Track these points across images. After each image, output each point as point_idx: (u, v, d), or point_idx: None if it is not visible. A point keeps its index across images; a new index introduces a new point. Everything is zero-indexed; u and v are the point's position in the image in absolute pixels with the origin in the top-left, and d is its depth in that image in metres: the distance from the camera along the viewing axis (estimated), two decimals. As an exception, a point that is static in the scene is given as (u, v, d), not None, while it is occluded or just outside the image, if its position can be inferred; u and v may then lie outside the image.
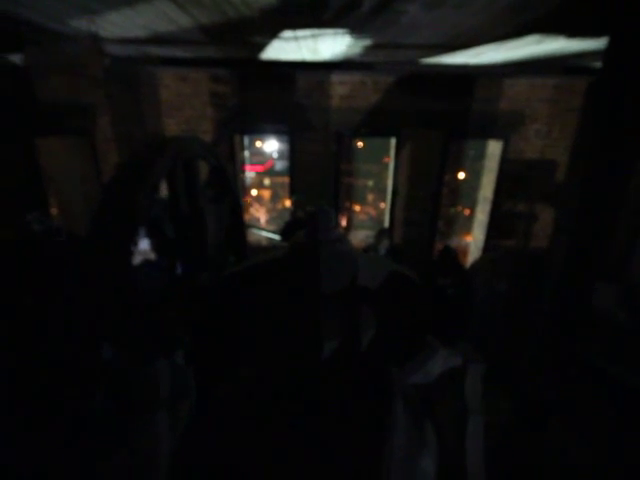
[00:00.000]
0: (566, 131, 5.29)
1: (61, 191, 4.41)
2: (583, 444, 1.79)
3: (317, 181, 5.59)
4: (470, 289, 2.80)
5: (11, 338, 1.57)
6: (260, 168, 10.59)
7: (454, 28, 2.77)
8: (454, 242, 7.84)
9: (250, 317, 1.69)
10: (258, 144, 10.58)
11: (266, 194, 10.52)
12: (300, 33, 2.98)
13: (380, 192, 9.09)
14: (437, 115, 5.28)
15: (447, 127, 5.35)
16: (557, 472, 1.72)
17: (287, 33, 3.00)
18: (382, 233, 4.22)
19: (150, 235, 2.11)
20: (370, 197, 9.83)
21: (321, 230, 1.70)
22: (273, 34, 3.05)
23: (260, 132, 6.17)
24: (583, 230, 2.18)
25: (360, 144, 8.91)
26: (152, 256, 2.20)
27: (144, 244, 2.20)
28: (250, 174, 9.78)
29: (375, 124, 5.37)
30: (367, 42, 3.28)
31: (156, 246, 2.15)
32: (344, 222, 7.68)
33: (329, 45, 3.40)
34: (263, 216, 10.01)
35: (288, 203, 5.96)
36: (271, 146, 10.65)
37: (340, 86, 5.19)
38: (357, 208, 9.37)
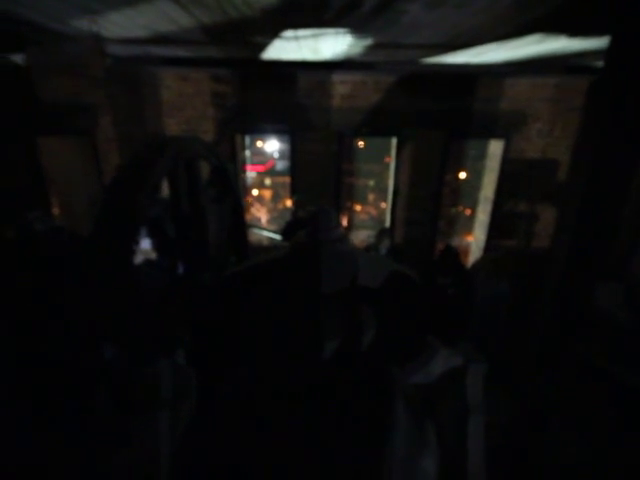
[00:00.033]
0: (568, 130, 5.28)
1: (62, 191, 4.42)
2: (583, 444, 1.79)
3: (318, 181, 5.59)
4: (471, 289, 2.80)
5: (12, 338, 1.57)
6: (261, 168, 10.59)
7: (455, 28, 2.76)
8: (455, 242, 7.83)
9: (251, 317, 1.69)
10: (259, 144, 10.59)
11: (267, 194, 10.53)
12: (301, 33, 2.98)
13: (381, 192, 9.09)
14: (438, 115, 5.27)
15: (448, 127, 5.34)
16: (557, 472, 1.72)
17: (288, 33, 3.00)
18: (383, 233, 4.22)
19: (151, 235, 2.11)
20: (371, 197, 9.83)
21: (322, 230, 1.70)
22: (274, 34, 3.05)
23: (261, 132, 6.18)
24: (585, 230, 2.17)
25: (361, 144, 8.91)
26: (153, 256, 2.20)
27: (145, 244, 2.21)
28: (251, 174, 9.79)
29: (376, 124, 5.36)
30: (368, 42, 3.28)
31: (157, 246, 2.15)
32: (345, 222, 7.68)
33: (330, 45, 3.40)
34: (264, 216, 10.02)
35: (289, 203, 5.96)
36: (272, 146, 10.65)
37: (341, 86, 5.19)
38: (358, 208, 9.37)
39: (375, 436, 1.28)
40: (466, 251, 7.04)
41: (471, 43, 3.22)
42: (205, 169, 2.12)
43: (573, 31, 2.74)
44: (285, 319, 1.62)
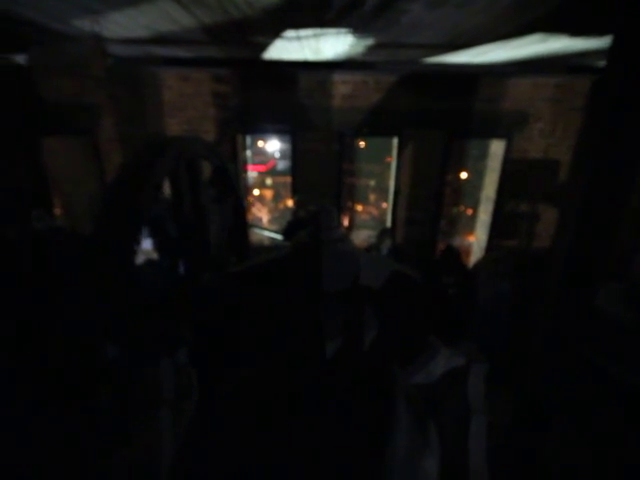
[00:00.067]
0: (569, 130, 5.27)
1: (64, 191, 4.43)
2: (583, 444, 1.78)
3: (319, 181, 5.59)
4: (472, 289, 2.80)
5: (12, 338, 1.58)
6: (262, 168, 10.60)
7: (456, 28, 2.76)
8: (456, 242, 7.82)
9: (252, 317, 1.69)
10: (260, 144, 10.59)
11: (268, 194, 10.54)
12: (303, 33, 2.98)
13: (382, 192, 9.09)
14: (439, 114, 5.27)
15: (449, 127, 5.33)
16: (557, 472, 1.72)
17: (290, 33, 3.00)
18: (384, 233, 4.22)
19: (153, 235, 2.11)
20: (372, 197, 9.83)
21: (323, 230, 1.70)
22: (276, 34, 3.05)
23: (262, 132, 6.18)
24: (586, 230, 2.17)
25: (362, 144, 8.91)
26: (155, 256, 2.20)
27: (147, 244, 2.21)
28: (252, 174, 9.79)
29: (377, 124, 5.36)
30: (369, 42, 3.28)
31: (159, 246, 2.16)
32: (346, 222, 7.68)
33: (331, 45, 3.40)
34: (265, 216, 10.03)
35: (290, 203, 5.96)
36: (273, 146, 10.66)
37: (342, 86, 5.19)
38: (359, 208, 9.37)
39: (376, 436, 1.28)
40: (467, 251, 7.04)
41: (472, 43, 3.21)
42: (206, 169, 2.12)
43: (575, 31, 2.74)
44: (286, 319, 1.62)
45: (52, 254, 2.03)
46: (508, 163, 5.49)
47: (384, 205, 8.90)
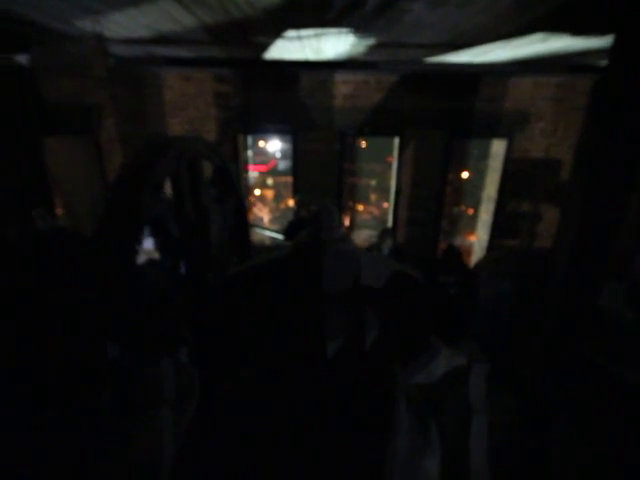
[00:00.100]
0: (571, 130, 5.26)
1: (66, 191, 4.44)
2: (583, 444, 1.78)
3: (320, 180, 5.59)
4: (473, 288, 2.79)
5: (13, 337, 1.58)
6: (263, 168, 10.60)
7: (458, 27, 2.76)
8: (458, 242, 7.82)
9: (253, 317, 1.69)
10: (261, 144, 10.60)
11: (269, 194, 10.54)
12: (304, 33, 2.98)
13: (383, 192, 9.08)
14: (440, 114, 5.26)
15: (451, 126, 5.33)
16: (557, 472, 1.72)
17: (291, 33, 3.00)
18: (385, 232, 4.22)
19: (154, 234, 2.12)
20: (373, 197, 9.83)
21: (324, 229, 1.70)
22: (277, 34, 3.05)
23: (263, 132, 6.18)
24: (587, 230, 2.17)
25: (363, 144, 8.90)
26: (156, 255, 2.21)
27: (148, 243, 2.21)
28: (253, 174, 9.80)
29: (378, 123, 5.36)
30: (371, 41, 3.27)
31: (160, 245, 2.16)
32: (347, 222, 7.68)
33: (333, 44, 3.40)
34: (266, 216, 10.03)
35: (291, 203, 5.97)
36: (274, 146, 10.66)
37: (343, 85, 5.19)
38: (360, 207, 9.37)
39: (377, 436, 1.28)
40: (469, 251, 7.03)
41: (473, 42, 3.21)
42: (207, 169, 2.13)
43: (576, 30, 2.73)
44: (287, 319, 1.62)
45: (53, 254, 2.04)
46: (509, 163, 5.48)
47: (385, 205, 8.90)
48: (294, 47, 3.53)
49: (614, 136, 2.03)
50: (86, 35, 3.08)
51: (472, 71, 4.67)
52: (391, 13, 2.46)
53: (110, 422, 1.31)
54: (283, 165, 10.57)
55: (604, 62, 2.23)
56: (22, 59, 3.29)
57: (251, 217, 7.66)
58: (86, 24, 2.81)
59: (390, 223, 5.97)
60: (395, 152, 5.67)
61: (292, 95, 5.20)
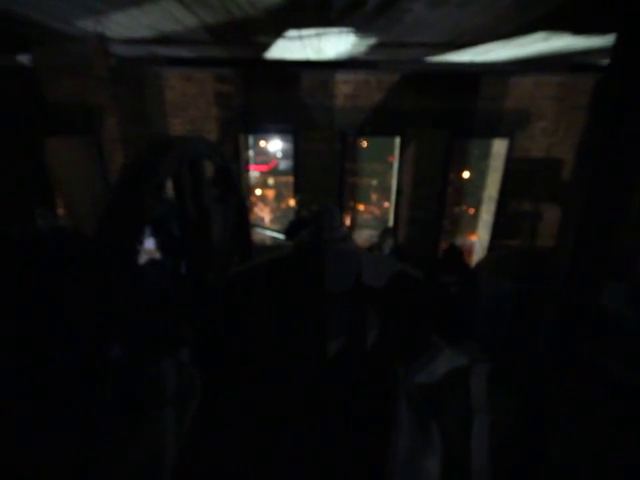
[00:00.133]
0: (572, 129, 5.25)
1: (67, 191, 4.44)
2: (583, 444, 1.78)
3: (321, 180, 5.59)
4: (474, 288, 2.79)
5: (14, 337, 1.58)
6: (264, 168, 10.60)
7: (458, 26, 2.75)
8: (459, 241, 7.80)
9: (254, 316, 1.69)
10: (262, 144, 10.59)
11: (270, 194, 10.53)
12: (305, 32, 2.98)
13: (384, 191, 9.07)
14: (441, 114, 5.26)
15: (452, 126, 5.32)
16: (557, 472, 1.72)
17: (292, 32, 3.00)
18: (386, 232, 4.22)
19: (156, 234, 2.12)
20: (374, 196, 9.81)
21: (326, 229, 1.71)
22: (278, 33, 3.06)
23: (264, 132, 6.18)
24: (589, 229, 2.16)
25: (364, 143, 8.89)
26: (157, 255, 2.21)
27: (149, 243, 2.22)
28: (254, 174, 9.80)
29: (379, 123, 5.36)
30: (371, 41, 3.27)
31: (161, 245, 2.16)
32: (348, 221, 7.67)
33: (333, 44, 3.40)
34: (267, 215, 10.03)
35: (292, 202, 5.97)
36: (275, 146, 10.65)
37: (344, 85, 5.19)
38: (361, 207, 9.36)
39: (378, 436, 1.28)
40: (470, 251, 7.02)
41: (474, 42, 3.21)
42: (209, 169, 2.13)
43: (578, 29, 2.73)
44: (288, 319, 1.62)
45: (54, 253, 2.04)
46: (511, 162, 5.47)
47: (386, 205, 8.89)
48: (295, 47, 3.53)
49: (615, 135, 2.03)
50: (88, 35, 3.08)
51: (473, 70, 4.66)
52: (392, 13, 2.46)
53: (112, 422, 1.31)
54: (284, 165, 10.56)
55: (606, 61, 2.23)
56: (24, 59, 3.29)
57: (252, 217, 7.67)
58: (88, 24, 2.82)
59: (391, 223, 5.97)
60: (396, 152, 5.67)
61: (293, 95, 5.20)
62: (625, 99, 1.98)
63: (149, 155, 1.49)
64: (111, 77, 3.94)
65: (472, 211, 7.98)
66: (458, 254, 3.48)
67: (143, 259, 2.14)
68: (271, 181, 10.67)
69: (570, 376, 2.13)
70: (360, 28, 2.85)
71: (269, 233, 5.92)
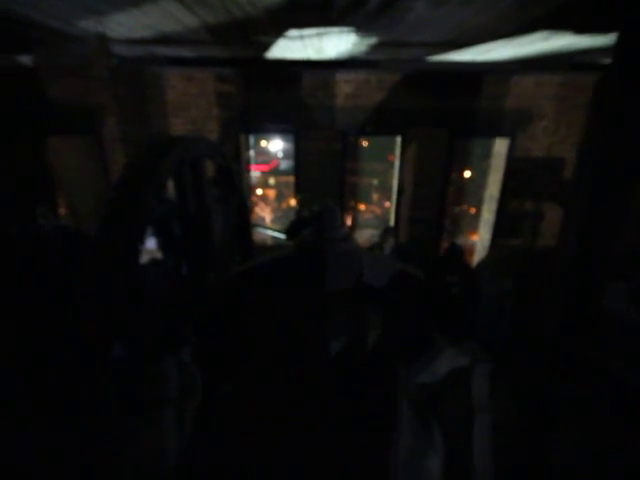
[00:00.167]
0: (573, 128, 5.24)
1: (69, 190, 4.45)
2: (583, 444, 1.77)
3: (322, 180, 5.59)
4: (476, 287, 2.78)
5: (14, 337, 1.58)
6: (265, 167, 10.59)
7: (460, 25, 2.75)
8: (460, 241, 7.79)
9: (255, 316, 1.69)
10: (263, 143, 10.59)
11: (271, 193, 10.53)
12: (306, 32, 2.98)
13: (385, 191, 9.06)
14: (442, 113, 5.25)
15: (452, 125, 5.32)
16: (557, 472, 1.71)
17: (293, 32, 3.00)
18: (387, 232, 4.21)
19: (157, 234, 2.12)
20: (375, 196, 9.80)
21: (327, 229, 1.70)
22: (278, 33, 3.05)
23: (265, 131, 6.18)
24: (591, 229, 2.16)
25: (365, 143, 8.89)
26: (159, 255, 2.21)
27: (151, 243, 2.22)
28: (255, 173, 9.80)
29: (380, 122, 5.35)
30: (373, 40, 3.27)
31: (163, 245, 2.17)
32: (349, 221, 7.67)
33: (334, 44, 3.40)
34: (268, 215, 10.03)
35: (293, 202, 5.97)
36: (276, 145, 10.65)
37: (345, 85, 5.18)
38: (362, 207, 9.35)
39: (379, 436, 1.28)
40: (471, 250, 7.01)
41: (476, 41, 3.20)
42: (210, 169, 2.13)
43: (579, 28, 2.72)
44: (289, 318, 1.62)
45: (56, 252, 2.04)
46: (512, 161, 5.46)
47: (387, 204, 8.88)
48: (296, 46, 3.53)
49: (617, 134, 2.02)
50: (88, 35, 3.09)
51: (474, 70, 4.66)
52: (393, 12, 2.46)
53: (112, 422, 1.31)
54: (285, 165, 10.55)
55: (607, 60, 2.22)
56: (25, 59, 3.30)
57: (253, 217, 7.67)
58: (88, 24, 2.82)
59: (392, 222, 5.97)
60: (397, 151, 5.66)
61: (294, 94, 5.20)
62: (627, 98, 1.97)
63: (150, 155, 1.49)
64: (112, 77, 3.94)
65: (473, 210, 7.97)
66: (459, 254, 3.48)
67: (144, 259, 2.14)
68: (272, 181, 10.66)
69: (571, 376, 2.13)
70: (361, 27, 2.84)
71: (270, 233, 5.92)
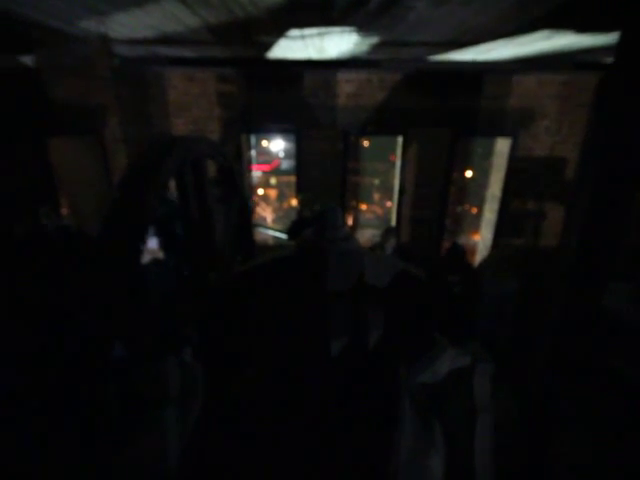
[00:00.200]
0: (576, 128, 5.22)
1: (71, 191, 4.47)
2: (583, 444, 1.77)
3: (323, 180, 5.59)
4: (478, 287, 2.78)
5: (15, 337, 1.59)
6: (266, 167, 10.59)
7: (461, 25, 2.74)
8: (462, 241, 7.77)
9: (257, 316, 1.70)
10: (264, 143, 10.59)
11: (272, 193, 10.53)
12: (307, 32, 2.98)
13: (387, 191, 9.04)
14: (444, 113, 5.24)
15: (454, 125, 5.30)
16: (557, 472, 1.71)
17: (294, 32, 3.00)
18: (389, 232, 4.21)
19: (159, 234, 2.13)
20: (377, 196, 9.78)
21: (328, 229, 1.70)
22: (280, 33, 3.06)
23: (267, 131, 6.18)
24: (593, 229, 2.15)
25: (366, 143, 8.88)
26: (161, 255, 2.22)
27: (153, 243, 2.22)
28: (257, 173, 9.80)
29: (381, 122, 5.35)
30: (374, 40, 3.27)
31: (165, 245, 2.17)
32: (350, 221, 7.67)
33: (336, 43, 3.39)
34: (270, 215, 10.03)
35: (294, 202, 5.97)
36: (277, 145, 10.65)
37: (346, 84, 5.18)
38: (363, 207, 9.34)
39: (381, 435, 1.28)
40: (473, 250, 7.00)
41: (478, 40, 3.20)
42: (211, 169, 2.13)
43: (580, 27, 2.71)
44: (291, 318, 1.62)
45: (58, 252, 2.05)
46: (514, 161, 5.45)
47: (389, 204, 8.86)
48: (297, 46, 3.53)
49: (620, 134, 2.02)
50: (90, 36, 3.10)
51: (475, 69, 4.65)
52: (395, 11, 2.45)
53: (114, 422, 1.31)
54: (286, 164, 10.54)
55: (609, 59, 2.21)
56: (27, 60, 3.31)
57: (255, 217, 7.67)
58: (90, 25, 2.83)
59: (394, 222, 5.96)
60: (398, 151, 5.65)
61: (295, 94, 5.20)
62: (629, 97, 1.96)
63: (152, 155, 1.50)
64: (114, 77, 3.95)
65: (475, 210, 7.94)
66: (461, 253, 3.47)
67: (146, 258, 2.15)
68: (273, 181, 10.66)
69: (573, 376, 2.12)
70: (363, 27, 2.84)
71: (271, 233, 5.92)
